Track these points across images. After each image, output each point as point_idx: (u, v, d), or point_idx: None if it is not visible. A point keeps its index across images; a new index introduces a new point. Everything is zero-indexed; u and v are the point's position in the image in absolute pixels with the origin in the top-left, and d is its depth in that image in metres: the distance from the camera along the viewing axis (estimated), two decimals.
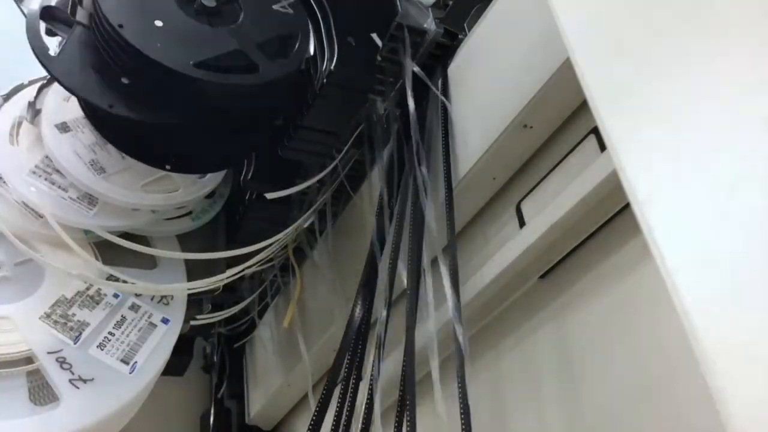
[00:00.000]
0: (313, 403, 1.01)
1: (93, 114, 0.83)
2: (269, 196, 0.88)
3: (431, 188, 0.71)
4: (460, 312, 0.62)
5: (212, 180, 0.94)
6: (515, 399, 0.69)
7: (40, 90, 0.90)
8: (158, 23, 0.74)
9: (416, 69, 0.74)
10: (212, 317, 1.01)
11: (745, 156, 0.32)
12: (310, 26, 0.83)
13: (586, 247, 0.63)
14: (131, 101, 0.75)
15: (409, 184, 0.74)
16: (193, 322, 0.97)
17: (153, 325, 0.86)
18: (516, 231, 0.68)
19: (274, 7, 0.81)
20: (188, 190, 0.91)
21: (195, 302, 1.00)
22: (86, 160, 0.85)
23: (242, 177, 0.95)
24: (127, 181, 0.86)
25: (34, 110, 0.88)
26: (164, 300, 0.90)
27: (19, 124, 0.89)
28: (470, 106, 0.71)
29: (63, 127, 0.87)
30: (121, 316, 0.85)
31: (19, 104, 0.91)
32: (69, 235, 0.81)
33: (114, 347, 0.82)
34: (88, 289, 0.85)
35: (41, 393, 0.78)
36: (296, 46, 0.80)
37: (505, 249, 0.66)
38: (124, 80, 0.74)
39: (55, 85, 0.88)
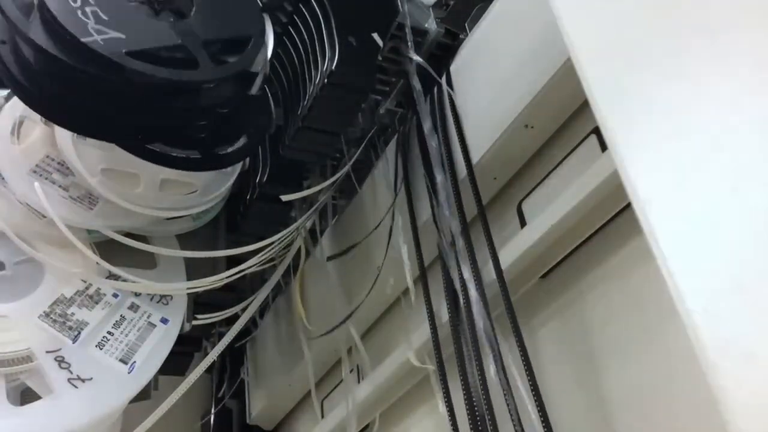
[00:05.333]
0: (315, 403, 1.01)
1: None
2: (284, 198, 0.88)
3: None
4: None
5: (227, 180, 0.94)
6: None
7: None
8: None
9: (420, 60, 0.74)
10: (213, 317, 1.01)
11: (745, 156, 0.32)
12: (270, 30, 0.80)
13: (587, 246, 0.63)
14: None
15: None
16: (194, 322, 0.97)
17: (152, 325, 0.86)
18: (517, 231, 0.67)
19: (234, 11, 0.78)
20: (206, 191, 0.91)
21: (202, 303, 1.00)
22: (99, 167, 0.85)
23: (257, 180, 0.95)
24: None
25: None
26: (163, 300, 0.90)
27: (20, 123, 0.88)
28: (471, 106, 0.70)
29: None
30: (120, 315, 0.85)
31: (20, 104, 0.90)
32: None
33: (113, 347, 0.82)
34: (87, 288, 0.85)
35: (40, 392, 0.78)
36: (246, 49, 0.76)
37: (506, 249, 0.65)
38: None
39: None
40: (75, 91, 0.73)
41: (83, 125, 0.77)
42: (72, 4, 0.68)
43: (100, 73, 0.69)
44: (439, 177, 0.69)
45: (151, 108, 0.76)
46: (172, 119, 0.79)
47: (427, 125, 0.73)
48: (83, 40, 0.67)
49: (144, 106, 0.75)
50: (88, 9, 0.69)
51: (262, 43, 0.78)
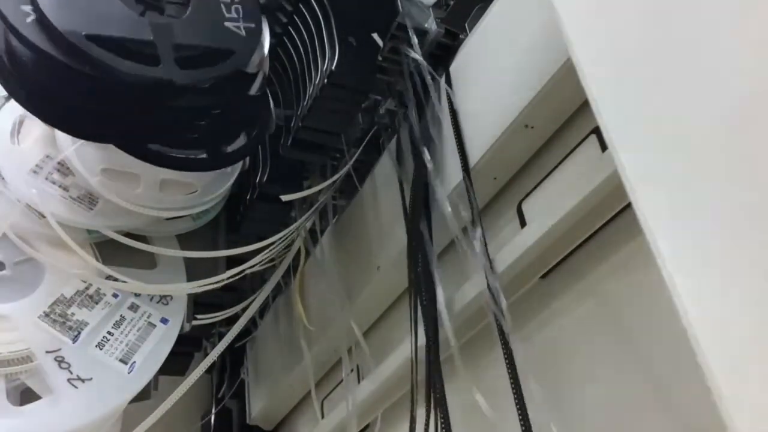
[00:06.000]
0: (315, 403, 1.01)
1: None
2: (284, 198, 0.88)
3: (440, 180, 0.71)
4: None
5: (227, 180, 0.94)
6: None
7: None
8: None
9: (421, 59, 0.74)
10: (213, 317, 1.01)
11: (745, 155, 0.32)
12: (266, 30, 0.80)
13: (588, 247, 0.63)
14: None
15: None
16: (194, 322, 0.97)
17: (152, 325, 0.86)
18: (517, 231, 0.67)
19: (226, 24, 0.78)
20: (206, 191, 0.91)
21: (202, 303, 1.00)
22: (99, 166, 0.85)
23: (257, 179, 0.95)
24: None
25: None
26: (163, 300, 0.90)
27: (20, 123, 0.89)
28: (471, 106, 0.70)
29: None
30: (120, 315, 0.85)
31: None
32: (71, 235, 0.81)
33: (113, 347, 0.82)
34: (87, 288, 0.85)
35: (40, 392, 0.78)
36: (222, 63, 0.75)
37: (506, 249, 0.65)
38: None
39: None
40: (56, 84, 0.73)
41: (75, 126, 0.77)
42: None
43: (61, 55, 0.68)
44: (437, 181, 0.70)
45: (142, 107, 0.76)
46: (164, 119, 0.79)
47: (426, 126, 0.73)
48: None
49: (135, 106, 0.75)
50: None
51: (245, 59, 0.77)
